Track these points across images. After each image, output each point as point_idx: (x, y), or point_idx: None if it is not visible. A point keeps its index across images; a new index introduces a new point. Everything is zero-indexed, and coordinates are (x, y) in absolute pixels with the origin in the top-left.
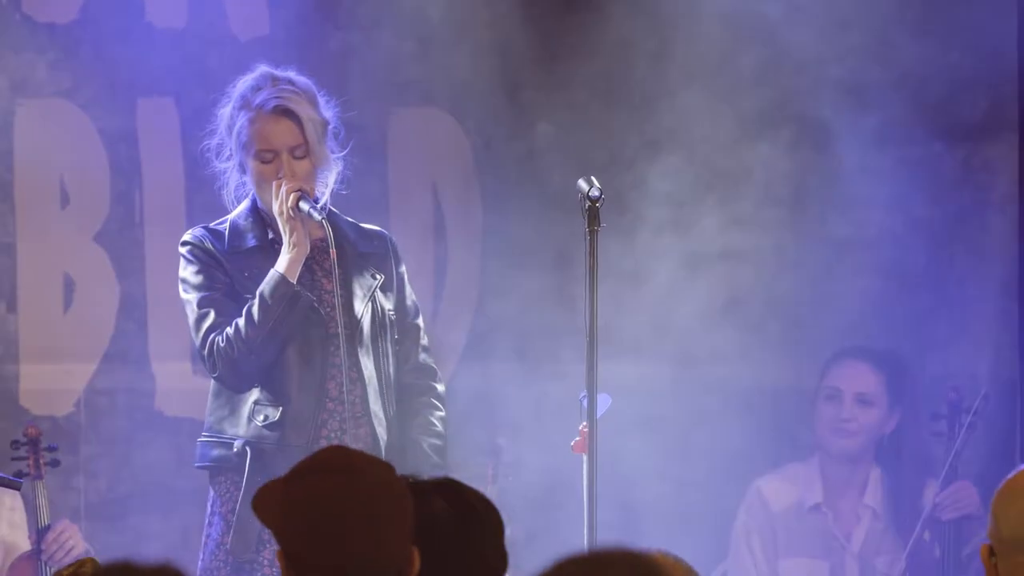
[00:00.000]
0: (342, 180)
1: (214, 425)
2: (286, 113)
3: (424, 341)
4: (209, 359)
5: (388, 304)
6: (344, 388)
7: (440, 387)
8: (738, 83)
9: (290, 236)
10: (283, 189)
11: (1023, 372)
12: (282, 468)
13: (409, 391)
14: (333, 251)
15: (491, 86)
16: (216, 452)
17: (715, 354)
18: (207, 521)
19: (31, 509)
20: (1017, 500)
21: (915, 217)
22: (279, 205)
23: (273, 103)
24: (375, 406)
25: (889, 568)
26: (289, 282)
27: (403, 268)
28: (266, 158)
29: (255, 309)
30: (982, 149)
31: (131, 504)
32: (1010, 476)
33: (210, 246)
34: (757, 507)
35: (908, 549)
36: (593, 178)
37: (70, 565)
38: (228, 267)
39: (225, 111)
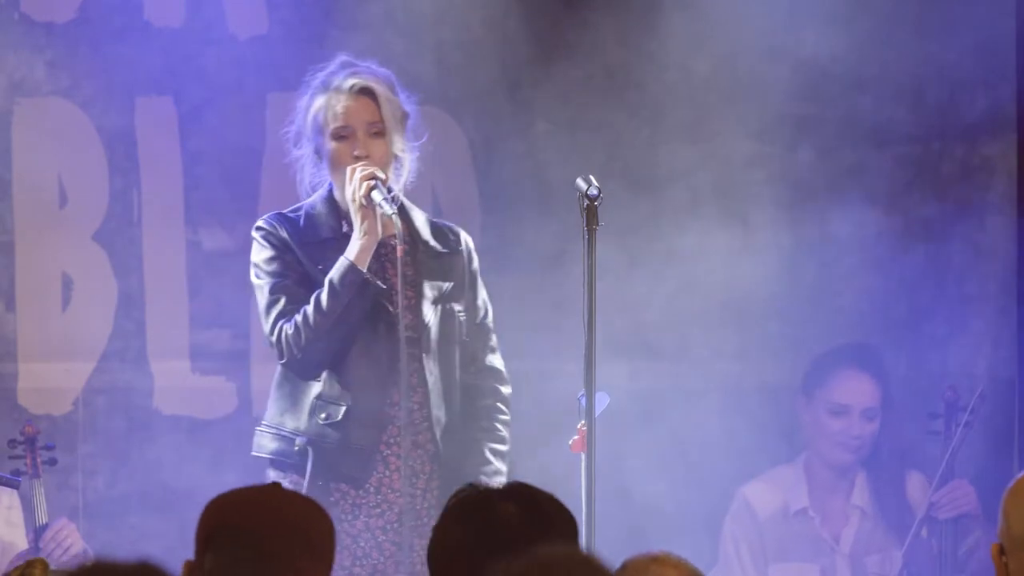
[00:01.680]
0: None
1: (275, 417)
2: (364, 91)
3: (493, 342)
4: (277, 345)
5: (459, 306)
6: (405, 393)
7: (506, 390)
8: (737, 82)
9: (361, 223)
10: (357, 175)
11: (1021, 371)
12: (345, 470)
13: (473, 393)
14: (400, 247)
15: (490, 85)
16: (275, 445)
17: (714, 353)
18: None
19: (29, 508)
20: None
21: (915, 217)
22: (352, 192)
23: (352, 82)
24: (438, 411)
25: (881, 567)
26: (358, 269)
27: (476, 265)
28: (342, 134)
29: (324, 296)
30: (981, 149)
31: (129, 503)
32: (1021, 475)
33: (284, 233)
34: (744, 515)
35: (905, 547)
36: (591, 177)
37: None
38: (300, 255)
39: (304, 100)
